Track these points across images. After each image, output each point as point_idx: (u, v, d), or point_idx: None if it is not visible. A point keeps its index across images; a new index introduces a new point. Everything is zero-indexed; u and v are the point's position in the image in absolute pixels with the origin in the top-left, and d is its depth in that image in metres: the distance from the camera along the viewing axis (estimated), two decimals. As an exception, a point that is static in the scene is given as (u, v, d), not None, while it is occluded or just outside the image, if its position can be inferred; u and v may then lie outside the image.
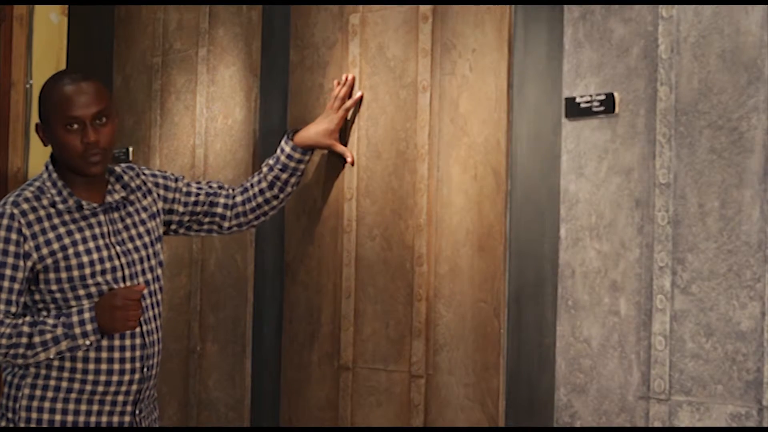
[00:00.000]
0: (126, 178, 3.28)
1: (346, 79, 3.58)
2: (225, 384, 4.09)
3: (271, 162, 3.54)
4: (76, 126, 3.12)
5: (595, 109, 2.93)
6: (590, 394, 2.91)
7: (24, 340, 3.06)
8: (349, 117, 3.61)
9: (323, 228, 3.71)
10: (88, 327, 3.06)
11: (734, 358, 2.61)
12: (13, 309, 3.09)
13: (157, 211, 3.33)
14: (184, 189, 3.42)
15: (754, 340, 2.58)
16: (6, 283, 3.09)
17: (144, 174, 3.35)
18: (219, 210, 3.47)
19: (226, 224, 3.49)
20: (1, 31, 4.82)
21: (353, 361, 3.57)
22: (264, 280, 3.97)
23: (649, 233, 2.80)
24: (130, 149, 4.62)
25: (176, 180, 3.42)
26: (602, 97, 2.91)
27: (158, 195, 3.35)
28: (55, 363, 3.12)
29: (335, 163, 3.68)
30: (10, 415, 3.16)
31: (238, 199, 3.49)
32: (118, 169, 3.28)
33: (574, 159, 2.97)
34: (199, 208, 3.44)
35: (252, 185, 3.52)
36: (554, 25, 3.05)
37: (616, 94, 2.89)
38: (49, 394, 3.13)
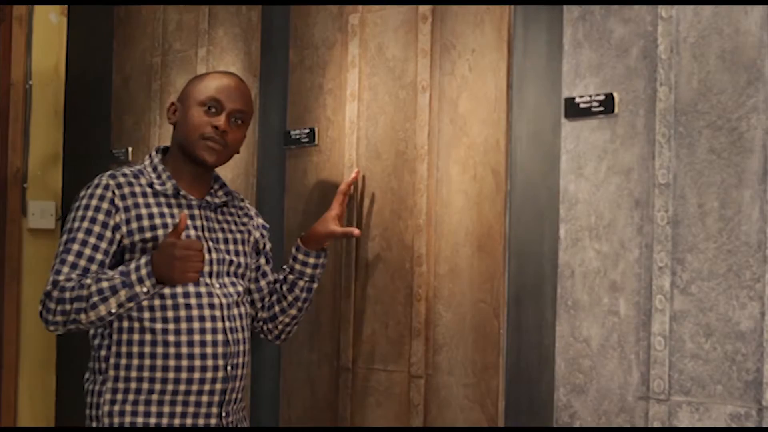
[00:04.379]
0: (233, 192, 3.23)
1: (354, 176, 3.51)
2: (225, 384, 4.08)
3: (285, 265, 3.39)
4: (213, 110, 3.10)
5: (594, 110, 2.93)
6: (590, 394, 2.91)
7: (84, 291, 2.92)
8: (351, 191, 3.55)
9: (323, 228, 3.71)
10: (143, 271, 2.89)
11: (734, 359, 2.61)
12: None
13: (252, 238, 3.24)
14: (264, 251, 3.32)
15: (753, 340, 2.58)
16: (87, 251, 2.99)
17: (249, 207, 3.30)
18: (264, 291, 3.31)
19: (252, 309, 3.29)
20: (1, 31, 4.82)
21: (353, 361, 3.58)
22: (264, 280, 3.97)
23: (649, 233, 2.80)
24: (130, 149, 4.62)
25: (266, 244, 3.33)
26: (602, 98, 2.91)
27: (255, 226, 3.27)
28: (134, 362, 3.00)
29: (335, 163, 3.68)
30: (94, 424, 3.04)
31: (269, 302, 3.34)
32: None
33: (574, 159, 2.97)
34: (257, 274, 3.30)
35: (270, 295, 3.35)
36: (554, 25, 3.06)
37: (615, 95, 2.89)
38: (131, 397, 3.00)
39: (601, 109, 2.91)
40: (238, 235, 3.20)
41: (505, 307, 3.12)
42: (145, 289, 2.90)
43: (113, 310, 2.92)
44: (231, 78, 3.19)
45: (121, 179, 3.08)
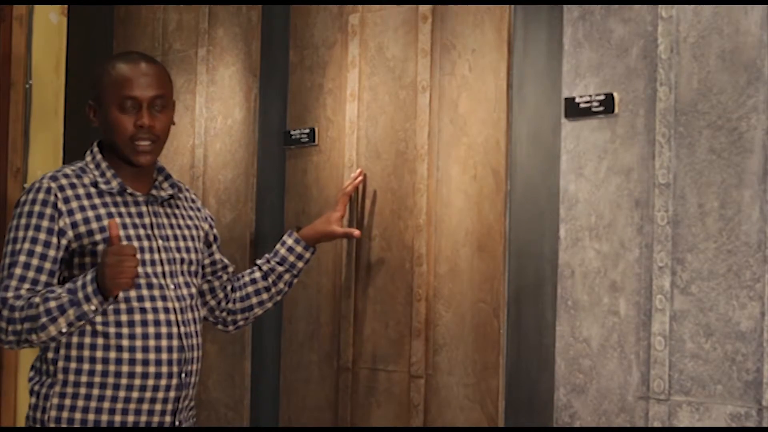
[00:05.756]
0: (177, 182, 3.10)
1: (357, 176, 3.51)
2: (224, 384, 4.09)
3: (268, 255, 3.31)
4: (131, 107, 2.93)
5: (594, 110, 2.92)
6: (590, 394, 2.91)
7: (33, 311, 2.78)
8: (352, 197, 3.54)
9: (323, 228, 3.71)
10: (89, 289, 2.77)
11: (734, 359, 2.61)
12: (39, 289, 2.83)
13: (202, 232, 3.13)
14: (216, 244, 3.22)
15: (753, 341, 2.58)
16: (35, 261, 2.84)
17: (195, 197, 3.19)
18: (224, 280, 3.23)
19: (214, 301, 3.22)
20: (1, 31, 4.82)
21: (353, 361, 3.57)
22: (264, 280, 3.97)
23: (649, 233, 2.80)
24: (130, 149, 4.61)
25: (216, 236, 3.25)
26: (602, 98, 2.91)
27: (203, 217, 3.16)
28: (85, 367, 2.87)
29: (335, 162, 3.68)
30: (38, 426, 2.89)
31: (235, 285, 3.25)
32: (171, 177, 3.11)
33: (574, 159, 2.97)
34: (216, 267, 3.22)
35: (243, 275, 3.27)
36: (554, 25, 3.05)
37: (615, 95, 2.89)
38: (80, 403, 2.87)
39: (601, 109, 2.91)
40: (187, 231, 3.06)
41: (505, 307, 3.12)
42: (93, 307, 2.78)
43: (63, 330, 2.80)
44: (139, 62, 2.99)
45: (63, 181, 2.93)
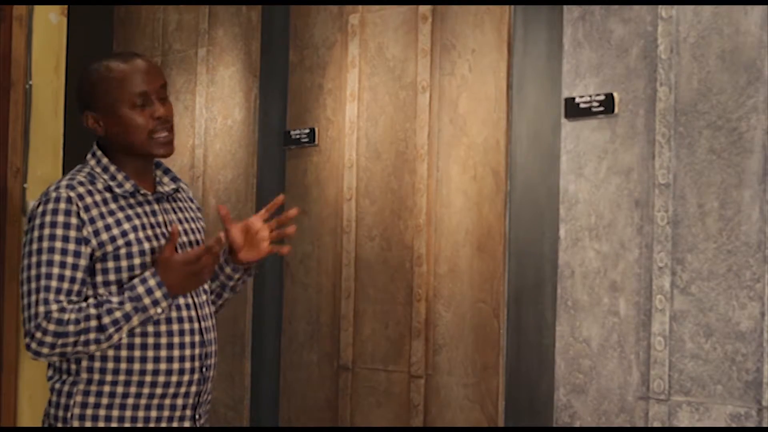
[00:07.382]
0: (175, 177, 3.07)
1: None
2: (224, 384, 4.09)
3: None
4: (142, 103, 2.93)
5: (594, 110, 2.93)
6: (590, 394, 2.91)
7: (93, 323, 2.82)
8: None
9: (323, 228, 3.71)
10: (158, 294, 2.83)
11: (734, 359, 2.61)
12: (75, 299, 2.84)
13: (202, 223, 3.10)
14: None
15: (753, 341, 2.58)
16: (68, 272, 2.85)
17: (187, 187, 3.15)
18: None
19: None
20: (1, 31, 4.82)
21: (353, 361, 3.57)
22: (264, 280, 3.97)
23: (649, 233, 2.80)
24: (130, 149, 4.61)
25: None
26: (602, 98, 2.91)
27: (197, 207, 3.11)
28: (109, 366, 2.88)
29: (335, 163, 3.68)
30: (59, 424, 2.90)
31: None
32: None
33: (574, 159, 2.97)
34: None
35: None
36: (554, 26, 3.06)
37: (615, 95, 2.89)
38: (104, 401, 2.89)
39: (601, 109, 2.91)
40: (194, 224, 3.06)
41: (505, 307, 3.12)
42: (160, 310, 2.85)
43: (124, 335, 2.86)
44: (132, 58, 3.03)
45: (81, 189, 2.93)
